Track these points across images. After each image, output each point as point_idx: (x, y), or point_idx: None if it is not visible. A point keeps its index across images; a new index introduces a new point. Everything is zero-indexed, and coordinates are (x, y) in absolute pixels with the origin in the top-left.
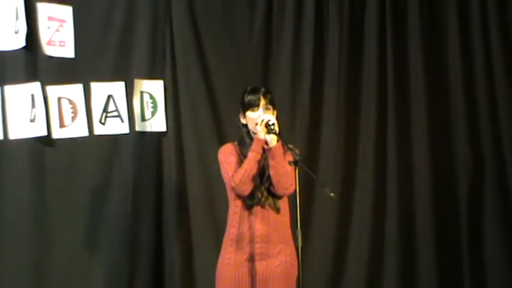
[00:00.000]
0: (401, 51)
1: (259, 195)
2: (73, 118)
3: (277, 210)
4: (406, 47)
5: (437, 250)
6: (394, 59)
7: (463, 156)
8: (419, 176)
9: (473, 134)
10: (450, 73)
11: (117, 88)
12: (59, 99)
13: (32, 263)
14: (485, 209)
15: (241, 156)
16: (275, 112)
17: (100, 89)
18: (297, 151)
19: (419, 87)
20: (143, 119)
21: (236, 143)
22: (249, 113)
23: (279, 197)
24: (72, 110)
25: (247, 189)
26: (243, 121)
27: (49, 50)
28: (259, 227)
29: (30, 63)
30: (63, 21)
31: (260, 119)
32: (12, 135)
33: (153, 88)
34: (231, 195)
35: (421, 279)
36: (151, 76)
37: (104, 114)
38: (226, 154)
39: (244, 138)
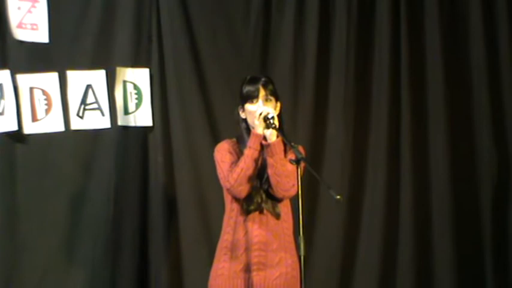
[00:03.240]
0: (417, 39)
1: (259, 200)
2: (47, 111)
3: (277, 216)
4: (423, 34)
5: (457, 262)
6: (409, 47)
7: (486, 156)
8: (436, 178)
9: (497, 131)
10: (472, 66)
11: (97, 77)
12: (31, 89)
13: (2, 273)
14: (510, 209)
15: (241, 155)
16: (278, 104)
17: (78, 78)
18: (300, 148)
19: (437, 80)
20: (126, 112)
21: (235, 139)
22: (247, 106)
23: (279, 200)
24: (46, 102)
25: (243, 190)
26: (242, 115)
27: (20, 34)
28: (256, 234)
29: None
30: (36, 1)
31: (258, 111)
32: None
33: (138, 77)
34: (227, 198)
35: None
36: (136, 64)
37: (82, 106)
38: (224, 152)
39: (243, 134)
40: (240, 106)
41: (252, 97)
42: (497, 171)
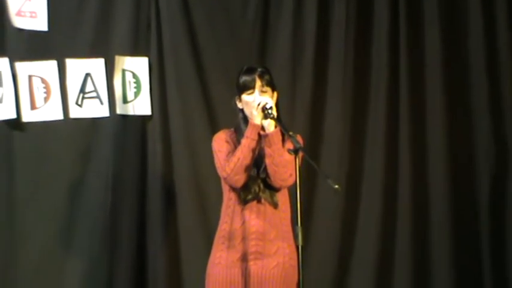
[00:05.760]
0: (416, 30)
1: (256, 189)
2: (46, 99)
3: (275, 205)
4: (422, 25)
5: (455, 252)
6: (408, 39)
7: (484, 147)
8: (434, 170)
9: (495, 123)
10: (471, 58)
11: (96, 65)
12: (30, 77)
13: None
14: (508, 204)
15: (238, 145)
16: (275, 94)
17: (76, 67)
18: (298, 138)
19: (436, 72)
20: (125, 100)
21: (233, 129)
22: (244, 96)
23: (276, 190)
24: (44, 90)
25: (239, 180)
26: (239, 105)
27: (18, 22)
28: (254, 223)
29: None
30: None
31: (256, 102)
32: None
33: (137, 66)
34: (225, 188)
35: (437, 283)
36: (135, 52)
37: (81, 95)
38: (221, 142)
39: (240, 124)
40: (237, 96)
41: (248, 87)
42: (495, 163)
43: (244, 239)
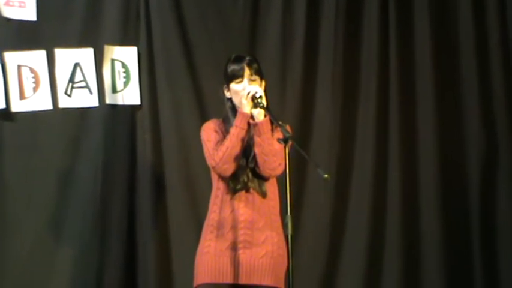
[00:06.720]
0: (406, 16)
1: (245, 179)
2: (35, 89)
3: (263, 195)
4: (412, 11)
5: (444, 243)
6: (398, 25)
7: (475, 136)
8: (424, 158)
9: (486, 114)
10: (461, 46)
11: (85, 55)
12: (19, 67)
13: None
14: (498, 196)
15: (227, 134)
16: (263, 83)
17: (65, 56)
18: (287, 128)
19: (426, 60)
20: (114, 90)
21: (221, 119)
22: (233, 85)
23: (265, 179)
24: (33, 80)
25: (228, 169)
26: (227, 94)
27: (7, 12)
28: (242, 212)
29: None
30: None
31: (246, 91)
32: None
33: (126, 55)
34: (214, 177)
35: (426, 275)
36: (124, 42)
37: (70, 84)
38: (210, 131)
39: (229, 114)
40: (225, 85)
41: (237, 76)
42: (485, 153)
43: (233, 228)
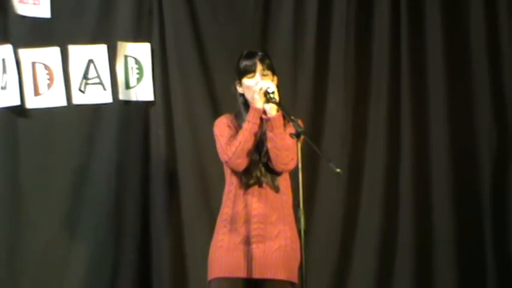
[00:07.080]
0: (417, 12)
1: (258, 174)
2: (49, 85)
3: (276, 189)
4: (423, 7)
5: (457, 239)
6: (409, 21)
7: (486, 131)
8: (436, 153)
9: (497, 111)
10: (472, 40)
11: (99, 52)
12: (33, 64)
13: (4, 249)
14: (510, 188)
15: (239, 129)
16: (275, 78)
17: (79, 53)
18: (299, 122)
19: (437, 54)
20: (128, 86)
21: (234, 114)
22: (245, 81)
23: (278, 174)
24: (48, 77)
25: (241, 163)
26: (240, 90)
27: (21, 9)
28: (255, 206)
29: (0, 23)
30: None
31: (258, 86)
32: None
33: (139, 52)
34: (227, 172)
35: (439, 268)
36: (137, 38)
37: (84, 81)
38: (223, 126)
39: (241, 109)
40: (237, 81)
41: (249, 71)
42: (497, 148)
43: (246, 222)
